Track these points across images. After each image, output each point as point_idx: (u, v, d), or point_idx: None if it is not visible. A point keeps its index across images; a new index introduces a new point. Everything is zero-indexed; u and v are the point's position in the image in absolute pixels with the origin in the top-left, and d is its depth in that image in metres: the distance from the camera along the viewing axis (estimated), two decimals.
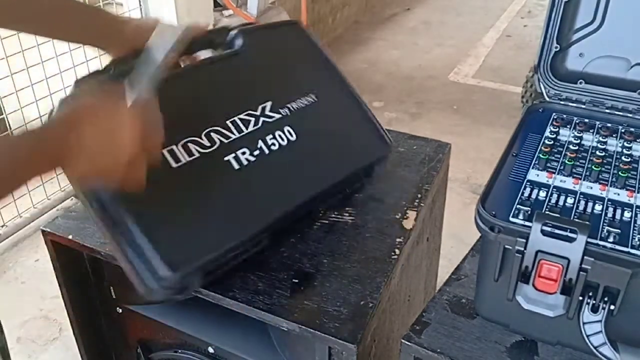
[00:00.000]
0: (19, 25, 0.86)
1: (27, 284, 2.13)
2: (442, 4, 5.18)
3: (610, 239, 0.69)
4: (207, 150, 0.89)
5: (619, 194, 0.77)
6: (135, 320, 1.11)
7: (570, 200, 0.76)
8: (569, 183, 0.79)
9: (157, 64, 0.76)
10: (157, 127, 0.75)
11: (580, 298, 0.69)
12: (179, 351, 1.08)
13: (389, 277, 0.91)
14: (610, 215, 0.73)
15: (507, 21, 4.75)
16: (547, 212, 0.73)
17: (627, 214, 0.73)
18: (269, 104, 0.98)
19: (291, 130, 0.97)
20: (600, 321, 0.69)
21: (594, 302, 0.69)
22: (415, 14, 4.97)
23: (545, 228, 0.68)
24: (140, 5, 2.54)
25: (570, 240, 0.67)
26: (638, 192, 0.78)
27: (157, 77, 0.76)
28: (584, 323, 0.70)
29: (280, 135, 0.96)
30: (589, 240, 0.67)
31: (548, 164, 0.83)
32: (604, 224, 0.71)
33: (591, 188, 0.79)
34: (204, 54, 1.00)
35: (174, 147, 0.86)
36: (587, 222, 0.70)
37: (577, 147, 0.87)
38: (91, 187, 0.80)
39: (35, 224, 2.38)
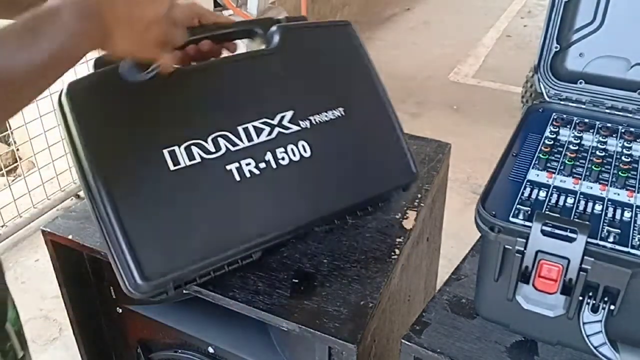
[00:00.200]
0: None
1: (27, 284, 2.13)
2: (441, 4, 5.19)
3: (610, 239, 0.69)
4: (210, 157, 0.84)
5: (619, 194, 0.77)
6: (135, 320, 1.11)
7: (570, 200, 0.76)
8: (569, 183, 0.79)
9: None
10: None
11: (580, 298, 0.69)
12: (179, 351, 1.08)
13: (389, 277, 0.91)
14: (610, 215, 0.73)
15: (507, 21, 4.75)
16: (547, 212, 0.73)
17: (627, 214, 0.73)
18: (289, 114, 0.91)
19: (306, 146, 0.90)
20: (600, 321, 0.69)
21: (594, 302, 0.69)
22: (415, 14, 4.97)
23: (545, 228, 0.68)
24: None
25: (570, 240, 0.67)
26: (638, 192, 0.77)
27: None
28: (584, 323, 0.70)
29: (293, 150, 0.89)
30: (589, 240, 0.67)
31: (548, 164, 0.83)
32: (604, 224, 0.71)
33: (591, 188, 0.78)
34: (241, 46, 0.95)
35: (175, 147, 0.83)
36: (587, 222, 0.70)
37: (577, 147, 0.87)
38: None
39: (35, 224, 2.38)
